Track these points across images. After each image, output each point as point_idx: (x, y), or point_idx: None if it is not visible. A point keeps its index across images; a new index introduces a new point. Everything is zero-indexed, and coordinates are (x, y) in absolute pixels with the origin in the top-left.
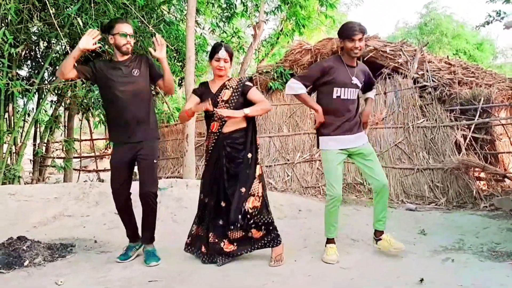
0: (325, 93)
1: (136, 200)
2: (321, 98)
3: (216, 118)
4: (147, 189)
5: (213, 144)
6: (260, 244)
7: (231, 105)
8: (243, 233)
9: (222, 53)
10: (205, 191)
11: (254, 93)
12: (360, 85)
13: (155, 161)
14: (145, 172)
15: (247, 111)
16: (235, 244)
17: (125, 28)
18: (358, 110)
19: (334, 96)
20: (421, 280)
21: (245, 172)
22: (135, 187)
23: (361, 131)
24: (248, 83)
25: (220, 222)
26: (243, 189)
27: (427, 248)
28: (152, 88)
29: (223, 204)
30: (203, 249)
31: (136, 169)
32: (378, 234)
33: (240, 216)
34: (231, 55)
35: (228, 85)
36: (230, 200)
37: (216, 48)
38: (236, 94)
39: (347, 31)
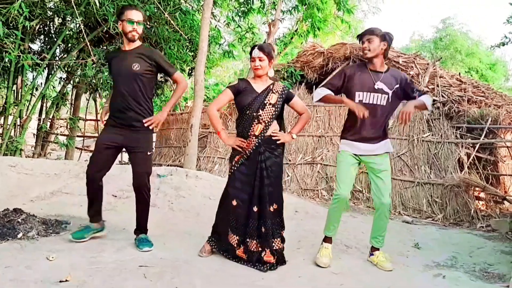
0: (349, 97)
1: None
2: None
3: (262, 121)
4: (140, 181)
5: (253, 147)
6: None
7: (276, 109)
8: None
9: (255, 52)
10: (238, 195)
11: (298, 103)
12: (388, 91)
13: (148, 153)
14: (139, 164)
15: (295, 136)
16: (275, 256)
17: (133, 15)
18: (386, 119)
19: (357, 100)
20: None
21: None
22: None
23: (382, 142)
24: (290, 92)
25: (262, 230)
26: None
27: (419, 262)
28: (160, 77)
29: (255, 209)
30: (240, 253)
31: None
32: (372, 249)
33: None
34: (267, 54)
35: (274, 89)
36: (266, 205)
37: (251, 49)
38: (280, 99)
39: (359, 34)
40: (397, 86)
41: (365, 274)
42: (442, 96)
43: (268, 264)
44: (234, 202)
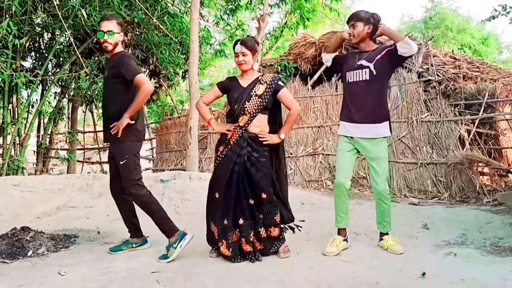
0: (343, 82)
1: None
2: (343, 86)
3: (247, 112)
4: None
5: (236, 138)
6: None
7: (263, 100)
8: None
9: (237, 48)
10: (219, 187)
11: (286, 96)
12: (368, 65)
13: (121, 162)
14: (120, 170)
15: (282, 136)
16: (262, 243)
17: (103, 26)
18: (378, 96)
19: (347, 81)
20: (423, 274)
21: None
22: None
23: (379, 123)
24: (280, 82)
25: (251, 222)
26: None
27: (429, 242)
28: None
29: (251, 201)
30: (247, 248)
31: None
32: (381, 234)
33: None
34: (250, 48)
35: (262, 80)
36: (248, 197)
37: (234, 44)
38: (269, 90)
39: (347, 19)
40: (378, 56)
41: (376, 259)
42: (437, 75)
43: (249, 254)
44: (217, 195)
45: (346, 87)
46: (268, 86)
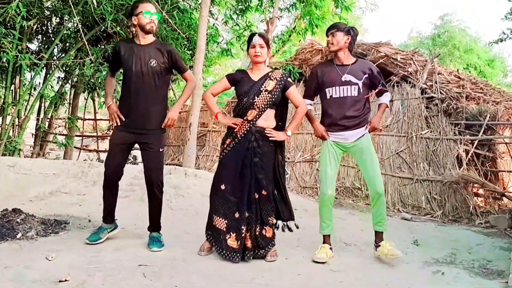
0: (322, 96)
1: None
2: (321, 102)
3: (256, 107)
4: (152, 177)
5: (244, 132)
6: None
7: (273, 96)
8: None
9: (256, 39)
10: (227, 179)
11: (294, 94)
12: (357, 81)
13: (160, 149)
14: (150, 160)
15: (289, 133)
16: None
17: (150, 7)
18: (363, 109)
19: (328, 97)
20: None
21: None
22: (128, 175)
23: (360, 127)
24: (289, 79)
25: (246, 214)
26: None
27: (418, 258)
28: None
29: (256, 196)
30: (231, 242)
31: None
32: (377, 240)
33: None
34: (266, 42)
35: (272, 76)
36: (253, 191)
37: (250, 37)
38: (278, 87)
39: (326, 30)
40: (366, 76)
41: (364, 271)
42: (441, 92)
43: (249, 251)
44: (223, 186)
45: (329, 103)
46: (278, 82)
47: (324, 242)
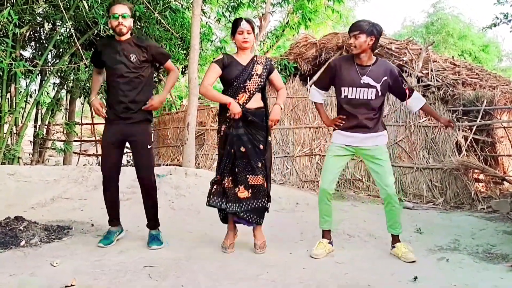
0: (336, 92)
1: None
2: (337, 98)
3: (247, 90)
4: (142, 174)
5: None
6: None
7: (262, 79)
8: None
9: (244, 25)
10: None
11: (277, 77)
12: (375, 85)
13: (148, 146)
14: (140, 157)
15: (282, 105)
16: (249, 191)
17: (117, 9)
18: (377, 112)
19: (342, 96)
20: (415, 278)
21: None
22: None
23: (378, 132)
24: (273, 62)
25: (236, 169)
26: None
27: (422, 246)
28: (154, 75)
29: (242, 149)
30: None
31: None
32: (393, 241)
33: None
34: (253, 27)
35: (259, 60)
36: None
37: (237, 22)
38: (265, 70)
39: (349, 28)
40: (385, 78)
41: (369, 262)
42: (437, 80)
43: (244, 203)
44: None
45: (344, 102)
46: (264, 66)
47: (323, 237)
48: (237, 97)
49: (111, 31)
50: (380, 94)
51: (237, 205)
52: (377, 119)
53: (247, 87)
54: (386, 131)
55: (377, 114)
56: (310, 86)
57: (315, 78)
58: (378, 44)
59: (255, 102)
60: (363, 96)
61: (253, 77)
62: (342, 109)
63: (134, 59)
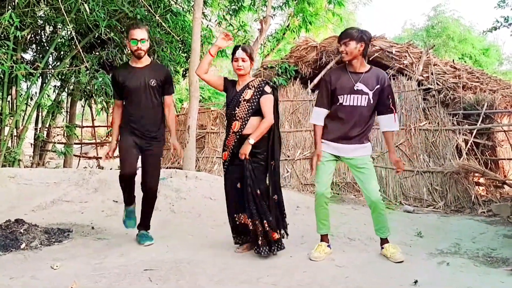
0: (333, 102)
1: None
2: (332, 106)
3: (238, 118)
4: (150, 182)
5: (233, 144)
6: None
7: (252, 104)
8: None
9: (239, 53)
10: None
11: (265, 103)
12: (368, 92)
13: (160, 157)
14: (151, 165)
15: (251, 141)
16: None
17: (136, 33)
18: (369, 121)
19: (338, 103)
20: (416, 281)
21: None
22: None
23: (363, 144)
24: (266, 88)
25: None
26: (275, 197)
27: (423, 250)
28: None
29: (238, 185)
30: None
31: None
32: (381, 242)
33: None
34: (249, 55)
35: (251, 85)
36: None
37: (234, 49)
38: (257, 94)
39: (338, 37)
40: (378, 86)
41: (369, 265)
42: (437, 83)
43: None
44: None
45: (338, 109)
46: (256, 90)
47: (321, 240)
48: (231, 126)
49: (111, 34)
50: (371, 102)
51: None
52: (364, 131)
53: (237, 114)
54: (370, 144)
55: (367, 124)
56: (311, 89)
57: (315, 81)
58: (379, 48)
59: (252, 128)
60: (356, 103)
61: (241, 104)
62: (335, 116)
63: (154, 84)
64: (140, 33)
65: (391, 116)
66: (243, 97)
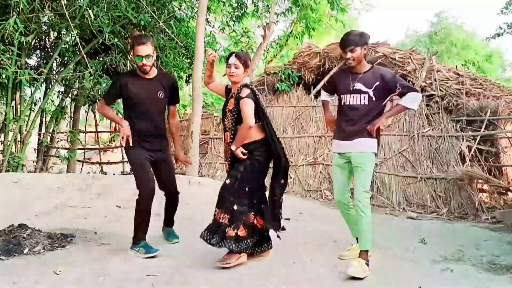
0: (339, 101)
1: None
2: (338, 106)
3: (227, 128)
4: (174, 187)
5: (230, 155)
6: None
7: (234, 113)
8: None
9: (232, 59)
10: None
11: (242, 106)
12: (367, 90)
13: (174, 165)
14: (170, 172)
15: (233, 147)
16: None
17: (141, 50)
18: (373, 118)
19: (342, 103)
20: None
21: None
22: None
23: (361, 138)
24: (242, 93)
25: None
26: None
27: (426, 257)
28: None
29: (228, 181)
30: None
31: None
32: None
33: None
34: (243, 62)
35: (234, 93)
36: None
37: (228, 56)
38: (237, 103)
39: (340, 43)
40: (377, 83)
41: (373, 271)
42: (440, 90)
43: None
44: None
45: (341, 108)
46: (236, 98)
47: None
48: (225, 138)
49: (115, 40)
50: (374, 99)
51: None
52: (364, 125)
53: (226, 125)
54: (374, 140)
55: (371, 121)
56: (314, 95)
57: (318, 87)
58: (382, 54)
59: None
60: (356, 102)
61: (227, 114)
62: (338, 115)
63: (161, 95)
64: (145, 49)
65: (409, 95)
66: (228, 107)
